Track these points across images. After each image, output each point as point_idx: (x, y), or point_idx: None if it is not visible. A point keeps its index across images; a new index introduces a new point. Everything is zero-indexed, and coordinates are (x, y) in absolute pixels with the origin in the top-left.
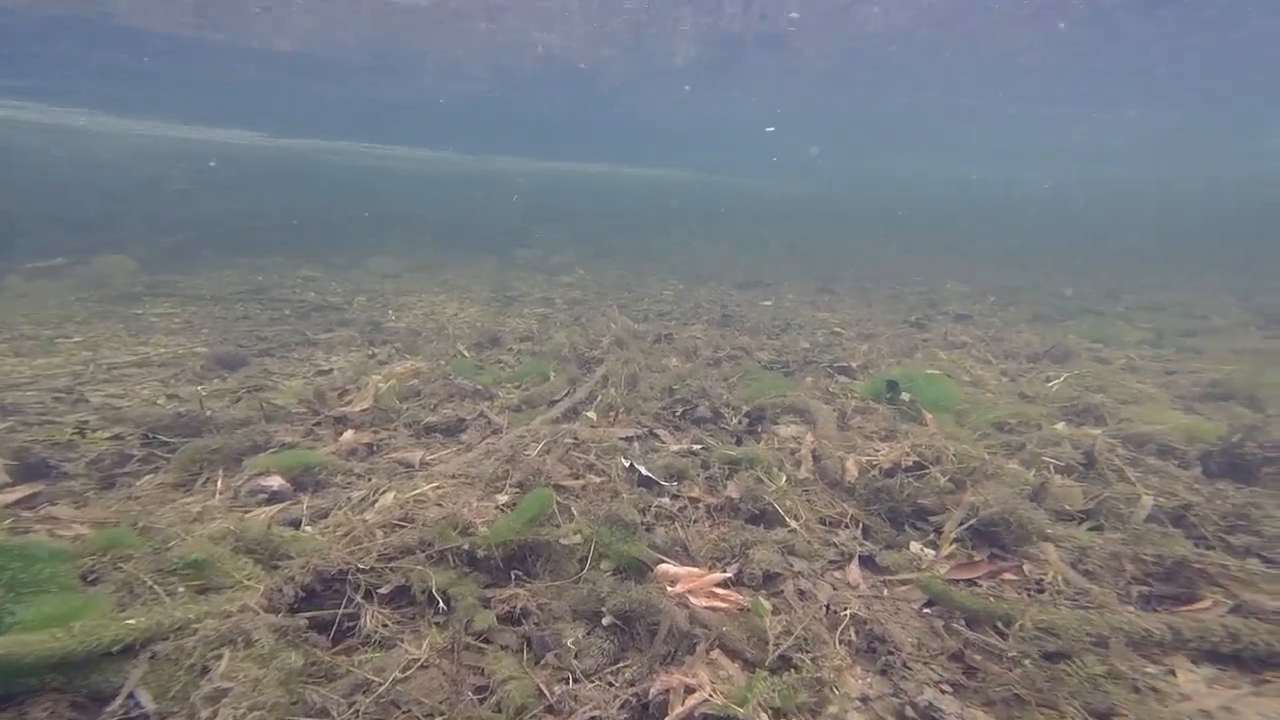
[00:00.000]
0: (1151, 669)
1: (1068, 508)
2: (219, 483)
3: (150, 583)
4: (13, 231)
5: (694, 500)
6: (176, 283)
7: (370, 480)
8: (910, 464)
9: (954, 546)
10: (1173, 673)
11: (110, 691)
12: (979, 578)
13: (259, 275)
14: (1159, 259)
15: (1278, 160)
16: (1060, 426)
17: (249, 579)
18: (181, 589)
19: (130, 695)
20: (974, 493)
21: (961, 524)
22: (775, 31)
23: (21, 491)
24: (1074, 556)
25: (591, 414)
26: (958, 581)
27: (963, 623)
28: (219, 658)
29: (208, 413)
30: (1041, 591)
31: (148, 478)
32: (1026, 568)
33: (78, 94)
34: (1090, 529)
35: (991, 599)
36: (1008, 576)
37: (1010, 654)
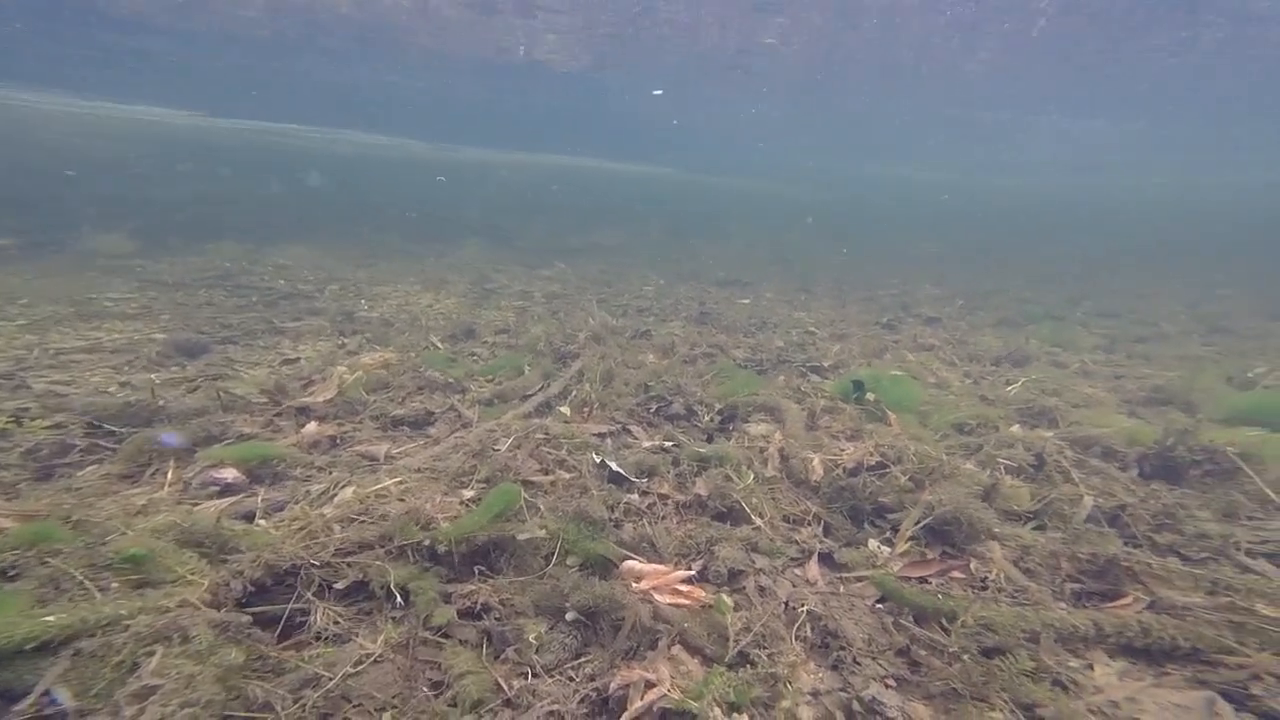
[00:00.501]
0: (1074, 663)
1: (1016, 508)
2: (169, 474)
3: (80, 578)
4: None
5: (663, 497)
6: (136, 267)
7: (331, 474)
8: (873, 463)
9: (909, 544)
10: (1091, 667)
11: (23, 690)
12: (930, 575)
13: (226, 261)
14: (1123, 267)
15: (1247, 172)
16: (1015, 429)
17: (193, 574)
18: (116, 585)
19: (45, 693)
20: (931, 492)
21: (918, 523)
22: (751, 58)
23: None
24: (1017, 555)
25: (565, 409)
26: (909, 579)
27: (911, 619)
28: (151, 654)
29: (160, 401)
30: (985, 589)
31: (90, 469)
32: (974, 565)
33: (27, 73)
34: (1035, 528)
35: (938, 596)
36: (956, 574)
37: (951, 649)
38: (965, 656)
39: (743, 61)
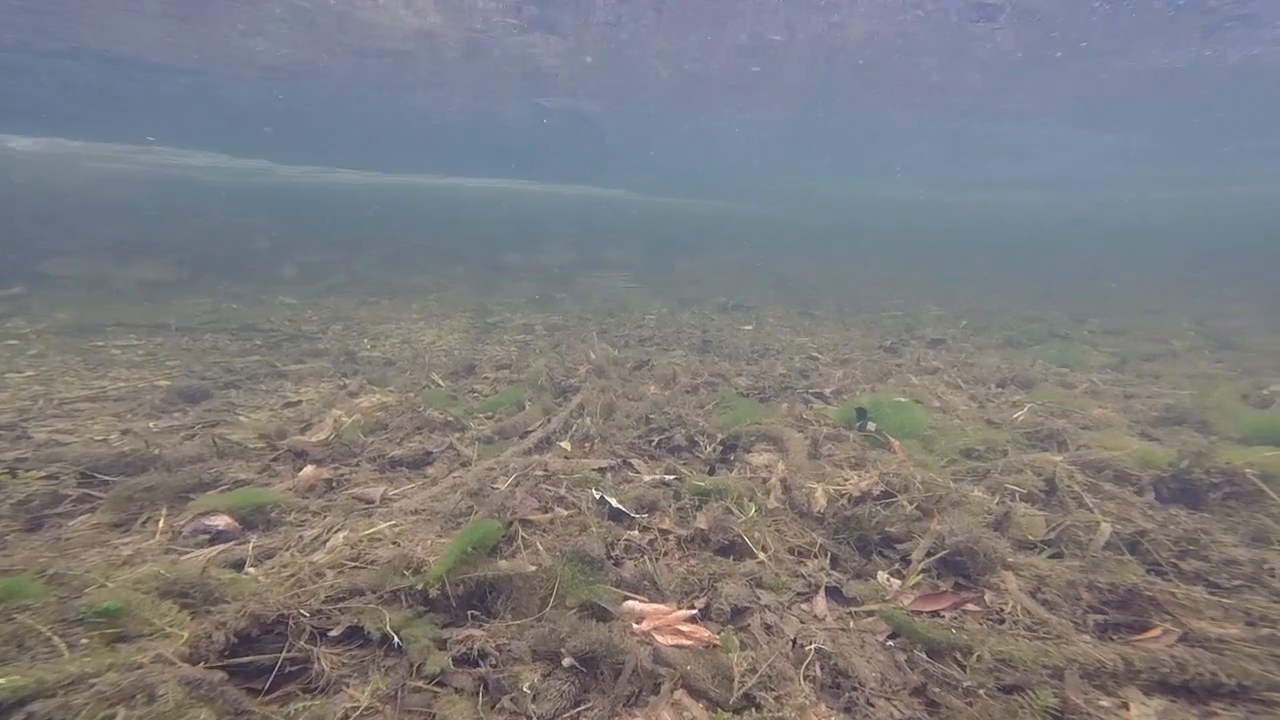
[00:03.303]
0: (1105, 701)
1: (1030, 537)
2: (160, 523)
3: (48, 634)
4: None
5: (664, 532)
6: (142, 311)
7: (325, 518)
8: (878, 492)
9: (920, 577)
10: (1126, 706)
11: None
12: (942, 608)
13: (232, 303)
14: (1128, 283)
15: (1256, 184)
16: (1024, 453)
17: (171, 626)
18: (86, 640)
19: None
20: (940, 521)
21: (928, 553)
22: (738, 77)
23: None
24: (1033, 585)
25: (566, 444)
26: (921, 612)
27: (925, 655)
28: (111, 717)
29: (154, 450)
30: (1002, 622)
31: (81, 518)
32: (988, 597)
33: (41, 116)
34: (1050, 557)
35: (952, 630)
36: (970, 607)
37: (969, 686)
38: (983, 693)
39: (734, 81)
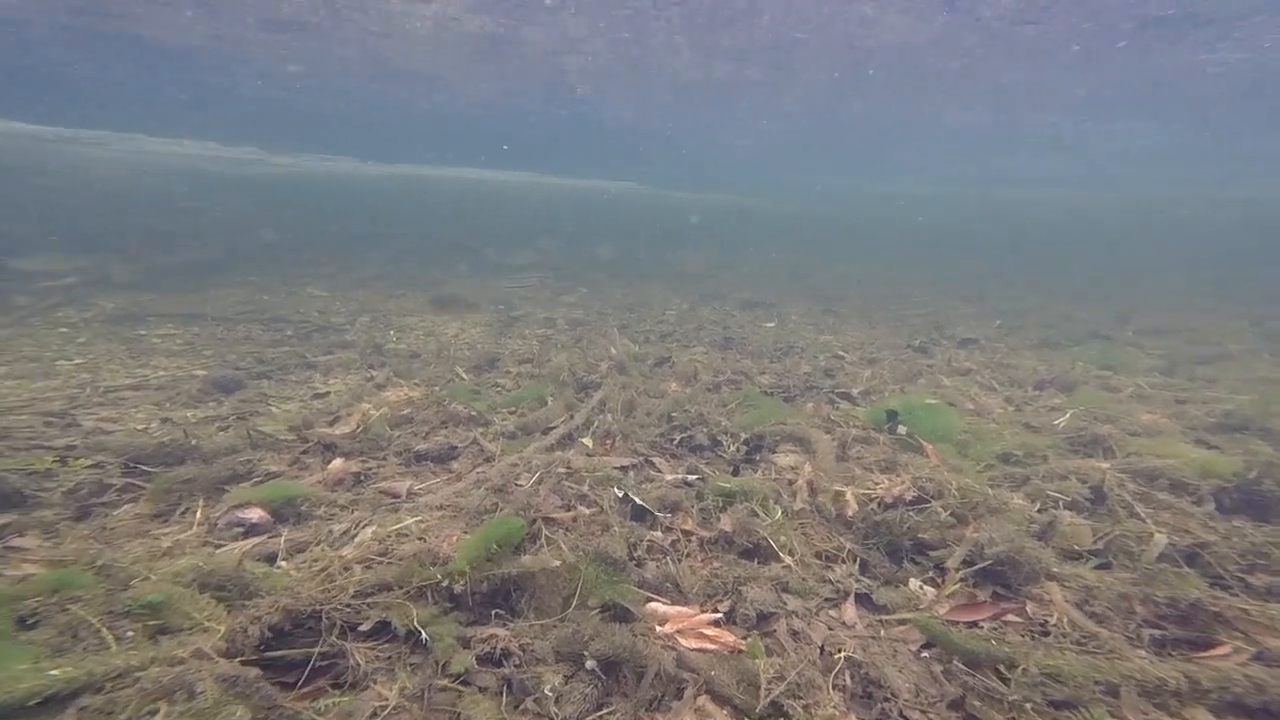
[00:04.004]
0: None
1: (1076, 546)
2: (197, 514)
3: (98, 626)
4: (23, 249)
5: (687, 533)
6: (181, 301)
7: (353, 513)
8: (911, 497)
9: (958, 585)
10: None
11: None
12: (981, 619)
13: (264, 294)
14: (1173, 281)
15: None
16: (1066, 459)
17: (209, 620)
18: (132, 632)
19: None
20: (977, 528)
21: (966, 562)
22: (749, 77)
23: None
24: (1080, 597)
25: (587, 441)
26: (958, 622)
27: (963, 666)
28: (154, 713)
29: (192, 441)
30: (1046, 634)
31: (125, 508)
32: (1031, 609)
33: (81, 110)
34: (1097, 568)
35: (992, 642)
36: (1011, 618)
37: (1013, 700)
38: (1030, 708)
39: (749, 77)
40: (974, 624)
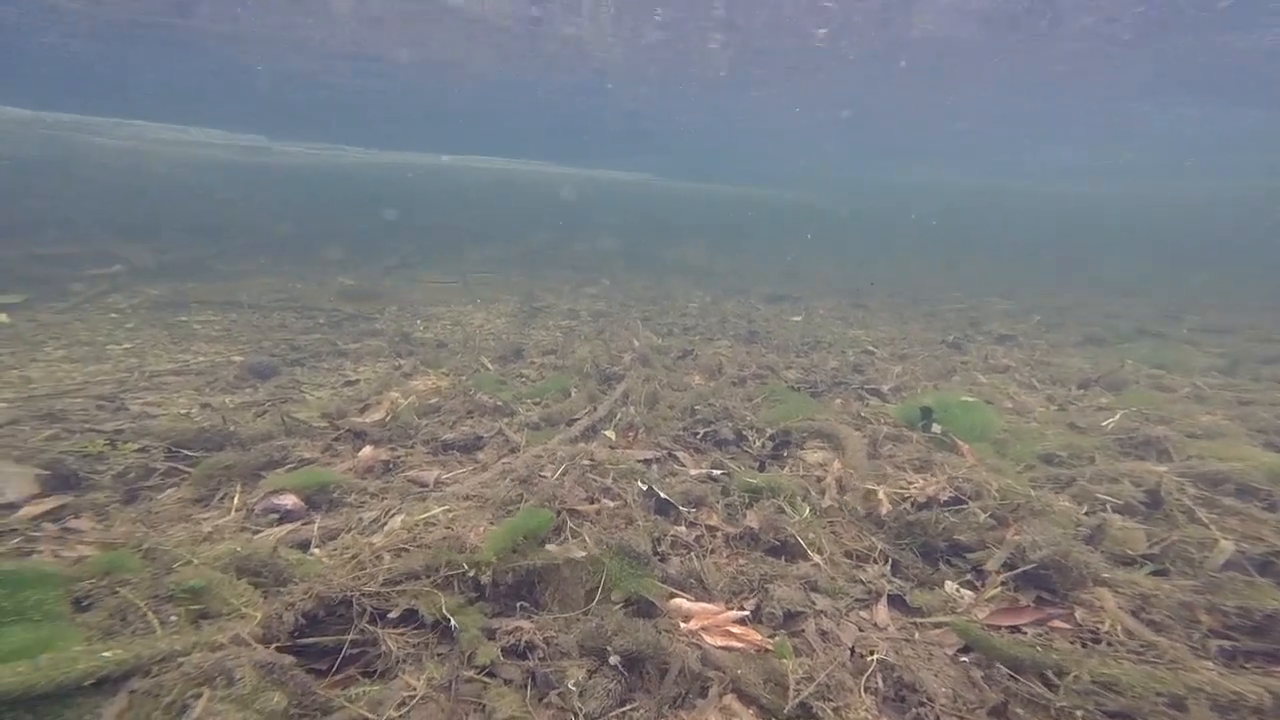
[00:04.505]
0: None
1: (1129, 551)
2: (235, 499)
3: (145, 610)
4: (75, 239)
5: (711, 529)
6: (219, 289)
7: (383, 500)
8: (946, 497)
9: (999, 589)
10: None
11: None
12: (1024, 624)
13: (297, 283)
14: (1227, 277)
15: None
16: (1116, 461)
17: (246, 606)
18: (175, 617)
19: None
20: (1019, 531)
21: (1007, 565)
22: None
23: (50, 504)
24: (1135, 605)
25: (610, 433)
26: (999, 627)
27: (1006, 671)
28: (198, 697)
29: (230, 426)
30: (1098, 642)
31: (169, 492)
32: (1080, 614)
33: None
34: (1152, 574)
35: (1037, 648)
36: (1057, 624)
37: (1060, 706)
38: (1081, 717)
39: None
40: (1016, 629)
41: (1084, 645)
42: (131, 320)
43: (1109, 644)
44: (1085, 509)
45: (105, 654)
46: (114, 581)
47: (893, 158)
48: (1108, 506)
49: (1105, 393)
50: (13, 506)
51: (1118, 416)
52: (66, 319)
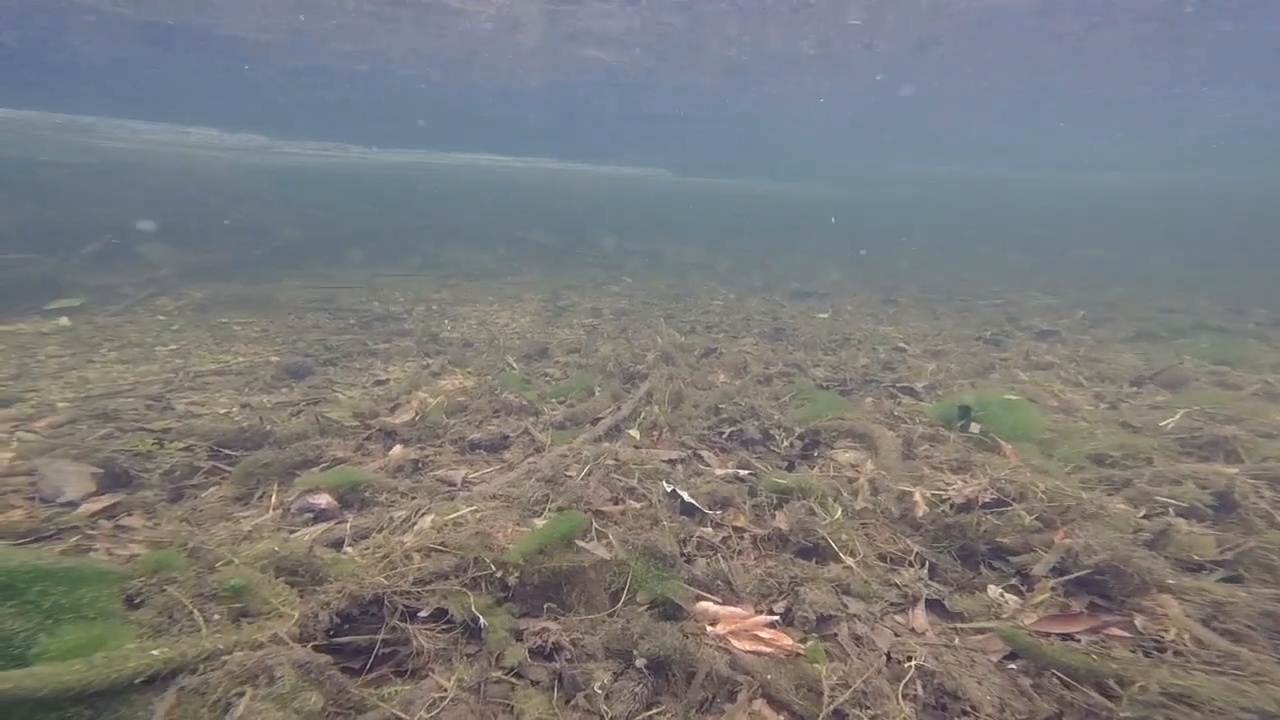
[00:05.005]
0: None
1: (1196, 557)
2: (273, 498)
3: (191, 608)
4: (126, 243)
5: (739, 530)
6: (258, 291)
7: (413, 500)
8: (988, 499)
9: (1049, 594)
10: None
11: None
12: (1077, 631)
13: (329, 285)
14: None
15: None
16: (1177, 462)
17: (284, 605)
18: (218, 615)
19: None
20: (1069, 534)
21: (1057, 570)
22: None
23: (105, 501)
24: (1205, 613)
25: (634, 432)
26: (1049, 634)
27: (1057, 681)
28: (241, 695)
29: (268, 426)
30: (1162, 651)
31: (211, 490)
32: (1140, 622)
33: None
34: (1223, 580)
35: (1094, 656)
36: (1115, 631)
37: (1124, 718)
38: None
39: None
40: (1068, 636)
41: (1146, 655)
42: (177, 322)
43: (1176, 654)
44: (1144, 512)
45: (154, 652)
46: (162, 580)
47: (924, 150)
48: (1170, 510)
49: (1161, 390)
50: (72, 504)
51: (1178, 415)
52: (119, 321)
